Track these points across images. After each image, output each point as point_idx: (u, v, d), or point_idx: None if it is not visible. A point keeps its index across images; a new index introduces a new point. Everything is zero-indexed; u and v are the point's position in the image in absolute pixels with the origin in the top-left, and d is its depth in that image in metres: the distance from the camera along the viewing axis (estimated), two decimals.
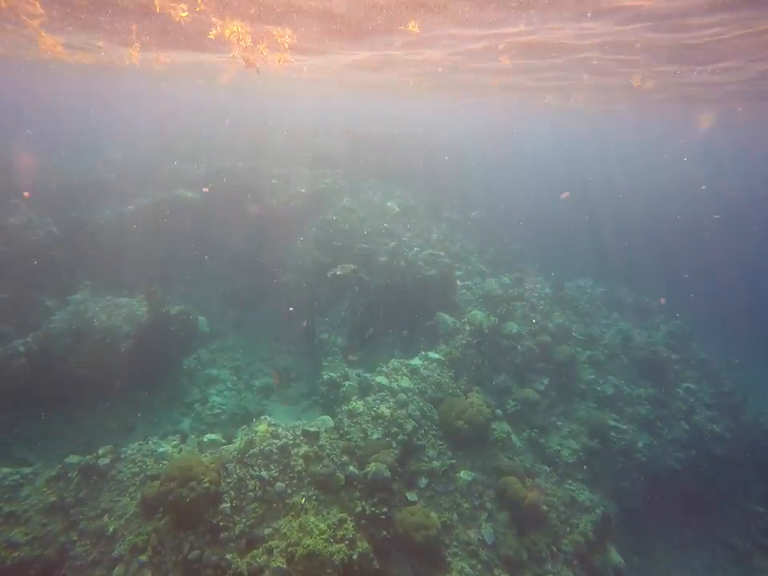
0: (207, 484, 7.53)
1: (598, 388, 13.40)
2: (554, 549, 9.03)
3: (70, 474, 8.72)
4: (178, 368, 13.74)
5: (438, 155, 23.81)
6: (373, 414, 9.95)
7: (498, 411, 11.60)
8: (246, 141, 23.01)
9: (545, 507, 9.31)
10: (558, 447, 11.55)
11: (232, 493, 7.78)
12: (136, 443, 9.71)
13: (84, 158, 22.68)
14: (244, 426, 11.17)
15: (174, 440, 10.01)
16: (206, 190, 17.84)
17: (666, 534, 12.20)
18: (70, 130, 32.85)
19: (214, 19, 11.10)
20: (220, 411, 12.28)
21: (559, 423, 12.39)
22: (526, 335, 14.17)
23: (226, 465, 8.16)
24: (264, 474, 8.00)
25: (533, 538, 9.09)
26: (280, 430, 8.92)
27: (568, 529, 9.35)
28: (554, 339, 14.13)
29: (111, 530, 7.91)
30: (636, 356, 14.62)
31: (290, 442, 8.60)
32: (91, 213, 18.33)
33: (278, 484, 7.98)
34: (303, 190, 18.15)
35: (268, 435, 8.71)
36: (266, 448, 8.31)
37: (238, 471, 8.04)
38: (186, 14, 10.62)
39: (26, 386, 11.57)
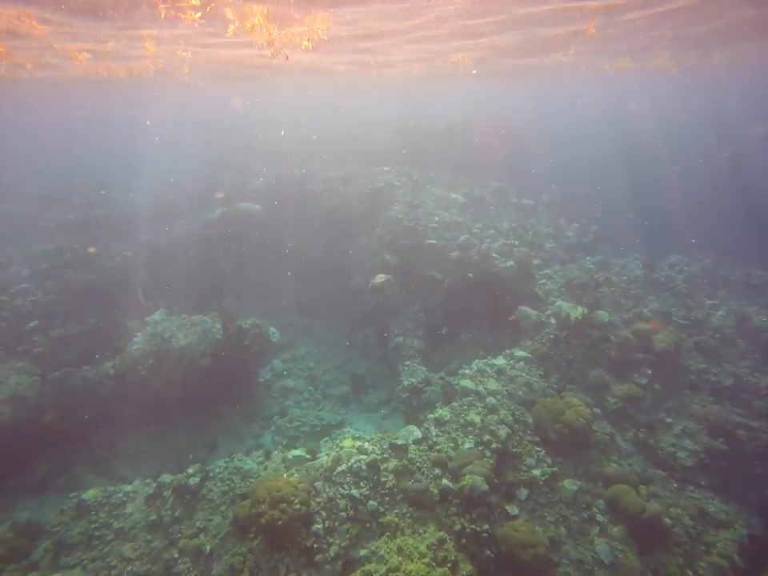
0: (298, 505, 7.37)
1: (713, 378, 11.91)
2: (690, 574, 7.93)
3: (165, 493, 8.99)
4: (254, 381, 13.99)
5: (498, 139, 22.68)
6: (461, 421, 9.42)
7: (597, 410, 10.61)
8: (297, 145, 23.22)
9: (668, 520, 8.27)
10: (672, 448, 10.32)
11: (323, 513, 7.57)
12: (222, 461, 9.87)
13: (144, 180, 23.96)
14: (326, 438, 11.13)
15: (259, 456, 10.07)
16: (261, 204, 18.02)
17: None
18: (119, 150, 34.94)
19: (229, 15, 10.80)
20: (300, 423, 12.30)
21: (669, 420, 11.12)
22: (620, 324, 12.95)
23: (315, 484, 7.97)
24: (354, 492, 7.71)
25: (659, 558, 8.09)
26: (366, 444, 8.62)
27: (703, 548, 8.22)
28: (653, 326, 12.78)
29: (208, 548, 8.00)
30: (758, 339, 12.86)
31: (378, 457, 8.26)
32: (160, 233, 19.27)
33: (370, 502, 7.67)
34: (364, 191, 17.90)
35: (354, 451, 8.44)
36: (354, 465, 8.04)
37: (327, 490, 7.83)
38: (198, 14, 10.37)
39: (118, 406, 12.25)
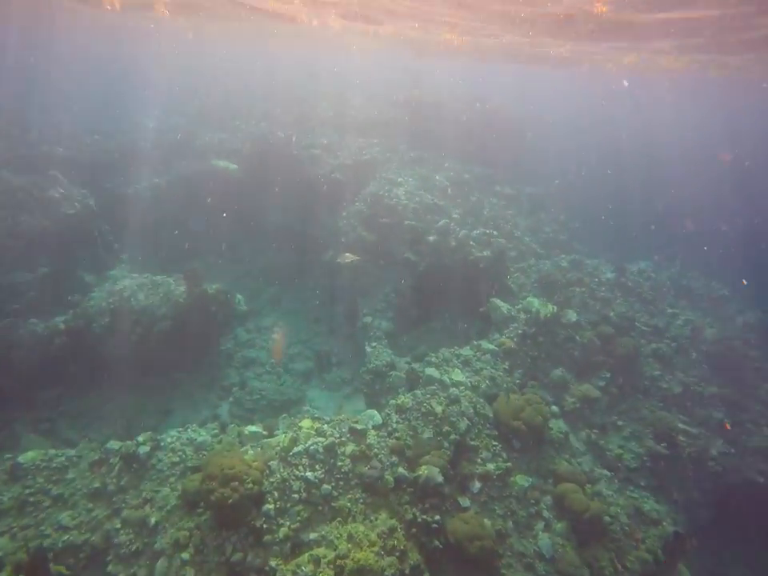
0: (250, 484, 7.23)
1: (665, 385, 12.40)
2: (619, 567, 8.38)
3: (111, 460, 8.68)
4: (215, 349, 13.61)
5: (493, 125, 22.25)
6: (423, 410, 9.41)
7: (555, 408, 10.86)
8: (287, 107, 22.14)
9: (607, 518, 8.64)
10: (620, 450, 10.77)
11: (276, 494, 7.47)
12: (175, 431, 9.59)
13: (116, 121, 22.39)
14: (285, 415, 10.98)
15: (214, 429, 9.85)
16: (235, 166, 17.30)
17: (746, 558, 11.35)
18: (97, 86, 32.54)
19: None
20: (259, 397, 12.09)
21: (621, 423, 11.55)
22: (586, 325, 13.20)
23: (269, 463, 7.84)
24: (309, 474, 7.63)
25: (594, 553, 8.46)
26: (325, 426, 8.53)
27: (633, 544, 8.67)
28: (617, 330, 13.11)
29: (153, 521, 7.80)
30: (708, 351, 13.43)
31: (337, 441, 8.18)
32: (127, 184, 18.19)
33: (324, 486, 7.61)
34: (347, 162, 17.33)
35: (313, 432, 8.33)
36: (312, 447, 7.94)
37: (281, 471, 7.71)
38: None
39: (67, 363, 11.68)
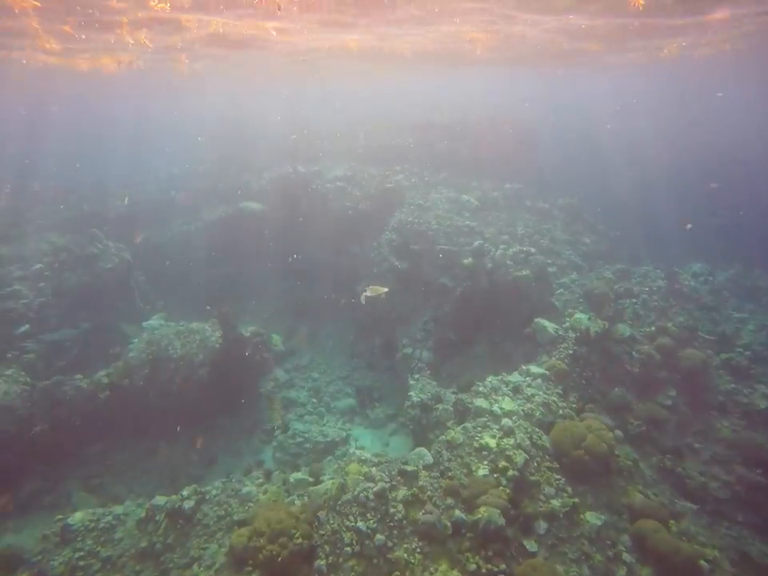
0: (299, 539, 6.87)
1: (745, 400, 11.32)
2: None
3: (157, 517, 8.52)
4: (255, 392, 13.50)
5: (515, 139, 22.03)
6: (475, 445, 8.87)
7: (619, 433, 10.03)
8: (306, 143, 22.64)
9: (704, 563, 7.67)
10: (702, 478, 9.74)
11: (327, 548, 7.06)
12: (219, 482, 9.41)
13: (145, 175, 23.45)
14: (330, 458, 10.63)
15: (259, 478, 9.62)
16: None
17: None
18: (120, 144, 34.44)
19: None
20: (303, 440, 11.80)
21: (697, 446, 10.56)
22: (642, 339, 12.38)
23: (318, 514, 7.47)
24: (361, 525, 7.19)
25: None
26: (374, 470, 8.10)
27: None
28: (677, 342, 12.19)
29: None
30: None
31: (387, 485, 7.73)
32: (161, 234, 18.83)
33: (378, 536, 7.14)
34: (371, 191, 17.36)
35: (361, 478, 7.92)
36: (361, 494, 7.51)
37: (331, 522, 7.32)
38: None
39: (112, 417, 11.79)
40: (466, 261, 13.48)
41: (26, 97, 35.10)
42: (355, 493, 7.63)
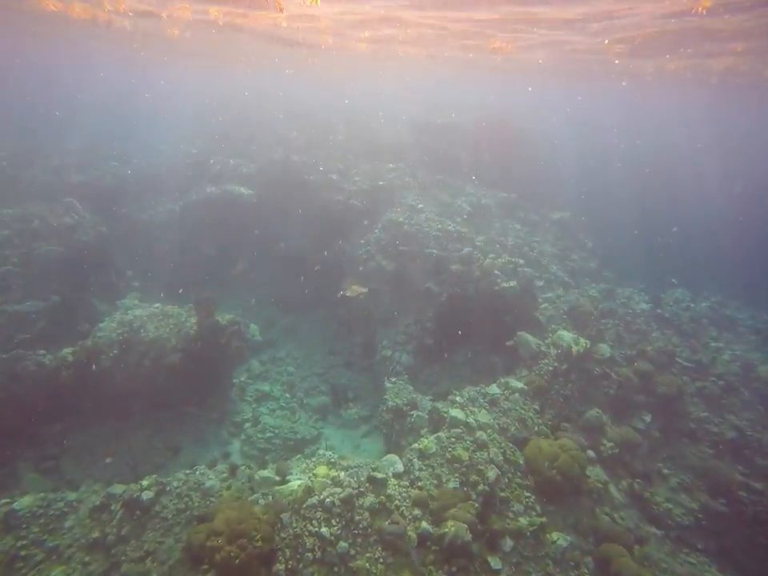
0: (259, 542, 6.69)
1: (714, 429, 11.51)
2: None
3: (113, 507, 8.22)
4: (227, 381, 13.21)
5: (514, 147, 22.03)
6: (448, 456, 8.80)
7: (591, 453, 10.08)
8: (301, 131, 22.25)
9: None
10: (668, 504, 9.87)
11: (287, 552, 6.90)
12: (182, 473, 9.13)
13: (132, 148, 22.70)
14: (299, 456, 10.40)
15: (223, 472, 9.34)
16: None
17: None
18: (109, 112, 33.37)
19: None
20: (272, 435, 11.58)
21: (666, 471, 10.69)
22: (622, 361, 12.49)
23: (281, 515, 7.28)
24: (324, 530, 7.04)
25: None
26: (342, 475, 7.95)
27: None
28: (655, 366, 12.33)
29: None
30: (763, 390, 12.50)
31: (354, 492, 7.59)
32: (143, 210, 18.30)
33: (341, 543, 7.01)
34: (364, 187, 17.14)
35: (329, 482, 7.75)
36: (327, 499, 7.35)
37: (294, 526, 7.15)
38: None
39: (73, 396, 11.38)
40: (454, 267, 13.40)
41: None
42: (321, 497, 7.47)
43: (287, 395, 13.37)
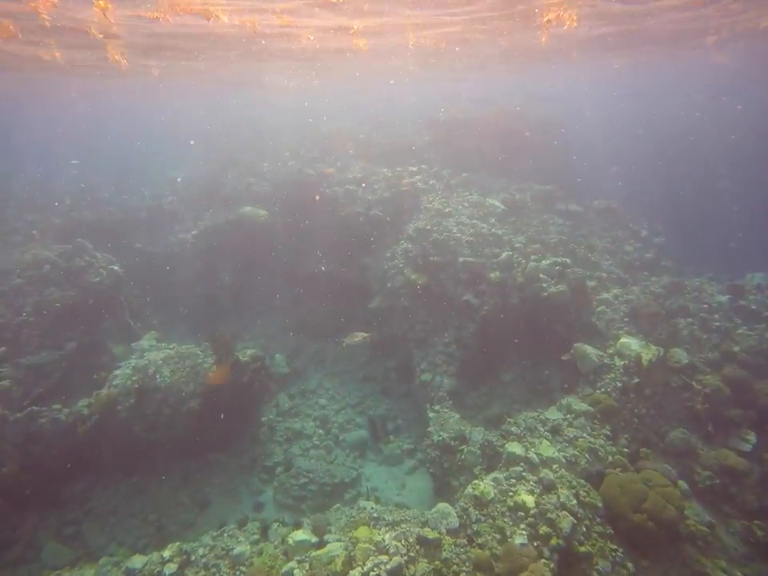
0: None
1: None
2: None
3: None
4: (255, 421, 12.49)
5: (544, 135, 20.72)
6: (510, 502, 7.67)
7: (684, 484, 8.70)
8: (313, 142, 21.63)
9: None
10: None
11: None
12: (209, 536, 8.40)
13: (145, 181, 22.72)
14: (338, 506, 9.54)
15: (254, 532, 8.56)
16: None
17: None
18: (118, 150, 33.87)
19: None
20: (307, 480, 10.71)
21: None
22: (704, 367, 10.99)
23: None
24: None
25: None
26: (387, 538, 6.95)
27: None
28: (750, 371, 10.77)
29: None
30: None
31: (403, 560, 6.57)
32: (155, 242, 18.05)
33: None
34: (385, 195, 16.24)
35: (372, 548, 6.77)
36: (372, 573, 6.35)
37: None
38: None
39: (93, 451, 10.89)
40: (492, 275, 12.27)
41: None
42: (365, 569, 6.49)
43: (320, 431, 12.52)
